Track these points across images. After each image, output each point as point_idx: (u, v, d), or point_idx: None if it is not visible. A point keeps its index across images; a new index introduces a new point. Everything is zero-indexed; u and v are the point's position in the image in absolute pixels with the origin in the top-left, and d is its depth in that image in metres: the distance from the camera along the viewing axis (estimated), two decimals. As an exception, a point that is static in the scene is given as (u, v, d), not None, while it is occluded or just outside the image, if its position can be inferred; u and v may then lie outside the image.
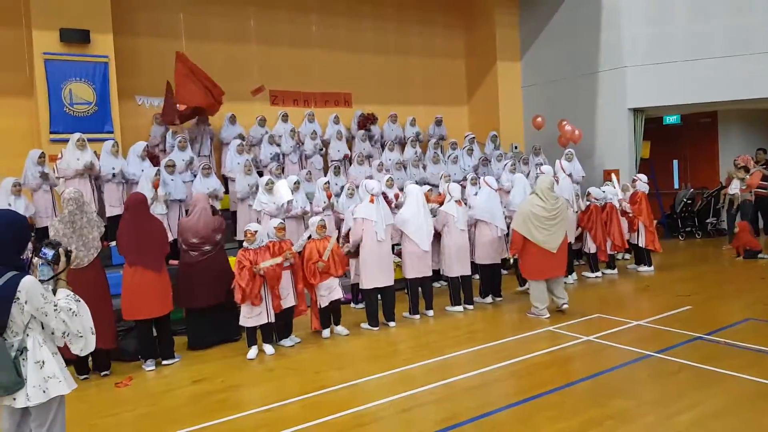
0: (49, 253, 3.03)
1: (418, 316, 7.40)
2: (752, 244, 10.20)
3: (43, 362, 2.94)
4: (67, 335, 2.99)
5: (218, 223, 6.83)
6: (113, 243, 8.09)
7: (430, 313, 7.45)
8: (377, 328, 7.01)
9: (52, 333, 2.98)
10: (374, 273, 6.97)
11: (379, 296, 7.15)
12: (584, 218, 9.25)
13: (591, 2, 12.52)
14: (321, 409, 4.65)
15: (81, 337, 3.03)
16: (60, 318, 2.94)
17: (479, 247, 7.90)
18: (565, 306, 7.21)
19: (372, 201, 7.01)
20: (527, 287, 8.47)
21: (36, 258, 3.06)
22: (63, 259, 3.09)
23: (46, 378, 2.94)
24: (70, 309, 2.99)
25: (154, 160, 9.34)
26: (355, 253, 7.14)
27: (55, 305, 2.94)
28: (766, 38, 11.00)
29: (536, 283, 7.11)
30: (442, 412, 4.53)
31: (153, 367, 5.94)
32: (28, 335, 2.93)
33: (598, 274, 9.39)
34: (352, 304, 8.17)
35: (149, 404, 5.04)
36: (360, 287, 7.25)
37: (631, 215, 9.56)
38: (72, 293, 3.07)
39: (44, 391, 2.93)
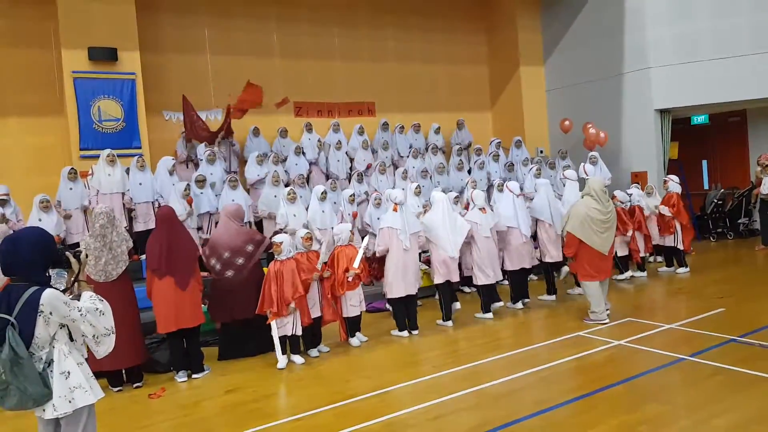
0: (60, 274, 3.09)
1: (450, 323, 7.38)
2: None
3: (69, 373, 2.99)
4: (97, 337, 3.04)
5: (249, 234, 6.89)
6: (143, 257, 8.28)
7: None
8: (407, 334, 7.02)
9: (83, 336, 3.04)
10: (399, 282, 6.97)
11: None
12: (626, 221, 9.08)
13: (614, 3, 12.41)
14: (351, 418, 4.67)
15: (109, 335, 3.08)
16: (87, 321, 3.00)
17: (507, 253, 7.88)
18: (608, 313, 7.08)
19: (396, 210, 7.03)
20: (553, 297, 8.42)
21: (53, 272, 3.12)
22: (73, 260, 3.16)
23: (71, 388, 2.99)
24: (97, 309, 3.04)
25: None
26: (380, 259, 7.16)
27: (80, 310, 3.00)
28: (795, 34, 10.79)
29: (590, 284, 6.94)
30: (471, 420, 4.52)
31: (185, 379, 6.02)
32: (53, 347, 2.99)
33: (628, 275, 9.27)
34: (388, 306, 8.19)
35: (182, 414, 5.11)
36: (387, 296, 7.25)
37: (670, 217, 9.43)
38: (95, 294, 3.13)
39: (70, 402, 2.97)
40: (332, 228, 8.59)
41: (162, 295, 5.90)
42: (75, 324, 3.00)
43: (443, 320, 7.42)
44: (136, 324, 5.88)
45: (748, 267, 9.96)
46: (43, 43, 9.69)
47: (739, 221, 12.62)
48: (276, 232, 7.86)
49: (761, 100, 11.58)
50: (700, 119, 13.46)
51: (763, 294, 8.00)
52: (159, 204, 8.61)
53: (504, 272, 7.99)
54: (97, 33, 9.42)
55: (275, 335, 6.16)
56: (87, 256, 3.27)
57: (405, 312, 7.14)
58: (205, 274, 7.89)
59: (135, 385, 5.89)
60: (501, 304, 7.80)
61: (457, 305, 7.66)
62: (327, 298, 6.59)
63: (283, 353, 6.22)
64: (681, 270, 9.56)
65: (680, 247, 9.50)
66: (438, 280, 7.34)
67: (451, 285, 7.47)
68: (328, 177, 10.85)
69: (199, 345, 6.25)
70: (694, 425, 4.13)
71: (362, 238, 8.67)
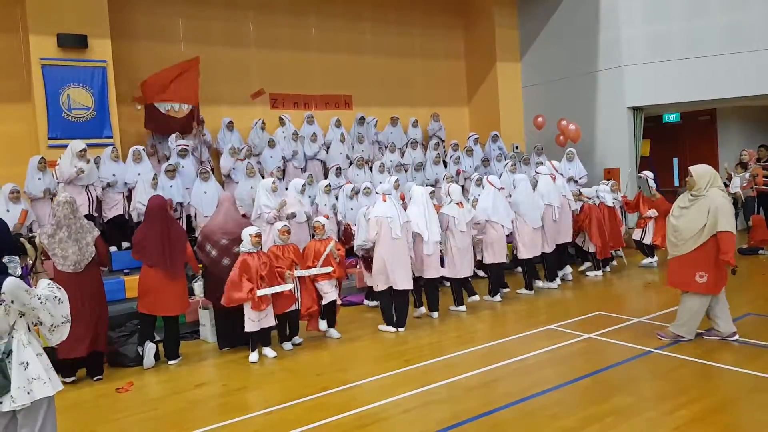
0: (12, 261, 3.02)
1: (436, 314, 7.40)
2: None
3: (27, 363, 2.92)
4: (54, 326, 2.98)
5: (246, 222, 6.89)
6: (113, 248, 8.14)
7: (435, 314, 7.44)
8: (395, 329, 6.93)
9: (40, 324, 2.97)
10: (390, 274, 6.82)
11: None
12: (581, 218, 9.27)
13: (589, 2, 12.53)
14: (323, 411, 4.65)
15: (66, 323, 3.03)
16: (47, 310, 2.94)
17: (486, 247, 7.91)
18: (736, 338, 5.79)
19: (384, 200, 6.96)
20: (530, 291, 8.48)
21: (5, 260, 3.04)
22: (28, 246, 3.11)
23: (30, 379, 2.91)
24: (56, 297, 2.98)
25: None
26: (367, 257, 7.13)
27: (39, 297, 2.94)
28: (764, 34, 11.00)
29: (708, 298, 5.75)
30: (444, 412, 4.53)
31: (153, 345, 6.05)
32: (12, 337, 2.92)
33: (599, 272, 9.40)
34: (365, 302, 8.18)
35: (151, 409, 5.03)
36: (375, 289, 7.10)
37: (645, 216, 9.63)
38: (52, 282, 3.07)
39: (28, 393, 2.90)
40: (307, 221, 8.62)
41: (153, 282, 5.94)
42: (34, 312, 2.92)
43: (429, 311, 7.44)
44: (104, 314, 5.82)
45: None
46: (10, 28, 9.41)
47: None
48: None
49: (731, 100, 11.81)
50: (671, 117, 13.69)
51: (729, 288, 8.05)
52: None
53: (481, 265, 8.04)
54: (66, 19, 9.17)
55: (248, 328, 6.10)
56: (45, 240, 3.20)
57: (394, 307, 6.97)
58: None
59: (95, 378, 5.80)
60: (477, 298, 7.86)
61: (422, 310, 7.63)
62: (307, 291, 6.53)
63: (256, 346, 6.17)
64: (645, 261, 9.73)
65: (647, 240, 9.67)
66: (418, 274, 7.29)
67: (433, 280, 7.42)
68: (304, 170, 10.78)
69: (178, 331, 6.30)
70: (659, 416, 4.21)
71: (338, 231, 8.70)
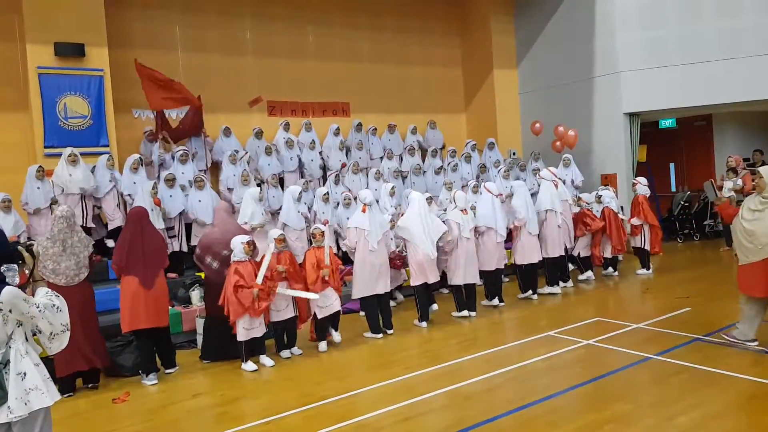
0: (11, 269, 2.98)
1: (425, 324, 7.37)
2: None
3: (25, 374, 2.89)
4: (53, 334, 2.96)
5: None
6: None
7: (423, 323, 7.41)
8: (380, 335, 6.98)
9: (39, 332, 2.95)
10: (367, 281, 6.93)
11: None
12: (577, 222, 9.29)
13: (585, 8, 12.58)
14: (321, 420, 4.62)
15: (65, 332, 3.01)
16: (46, 318, 2.92)
17: (482, 254, 7.92)
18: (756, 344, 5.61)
19: (364, 210, 7.00)
20: (530, 294, 8.46)
21: (2, 268, 3.00)
22: (26, 254, 3.08)
23: (27, 390, 2.88)
24: (54, 305, 2.96)
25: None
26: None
27: (38, 306, 2.92)
28: (759, 40, 11.04)
29: None
30: (443, 420, 4.51)
31: (155, 381, 5.86)
32: (10, 347, 2.89)
33: (589, 274, 9.41)
34: (361, 313, 8.15)
35: (147, 419, 5.00)
36: (353, 296, 7.18)
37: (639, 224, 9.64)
38: (50, 290, 3.05)
39: (26, 404, 2.86)
40: (306, 228, 8.60)
41: (131, 293, 5.79)
42: (33, 321, 2.90)
43: (419, 320, 7.41)
44: (96, 328, 5.77)
45: (714, 267, 10.18)
46: (7, 36, 9.39)
47: (705, 223, 12.91)
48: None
49: (727, 105, 11.85)
50: (667, 123, 13.72)
51: (727, 294, 8.14)
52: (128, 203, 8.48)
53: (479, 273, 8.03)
54: (63, 27, 9.15)
55: (240, 338, 6.06)
56: (39, 253, 3.18)
57: (378, 311, 7.07)
58: (173, 275, 7.79)
59: (90, 386, 5.76)
60: (466, 313, 7.74)
61: (434, 307, 7.61)
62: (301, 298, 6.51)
63: (251, 356, 6.13)
64: (641, 271, 9.73)
65: (646, 248, 9.67)
66: (415, 281, 7.32)
67: (428, 286, 7.46)
68: (302, 175, 10.77)
69: (170, 340, 6.24)
70: (658, 423, 4.19)
71: (336, 240, 8.67)
